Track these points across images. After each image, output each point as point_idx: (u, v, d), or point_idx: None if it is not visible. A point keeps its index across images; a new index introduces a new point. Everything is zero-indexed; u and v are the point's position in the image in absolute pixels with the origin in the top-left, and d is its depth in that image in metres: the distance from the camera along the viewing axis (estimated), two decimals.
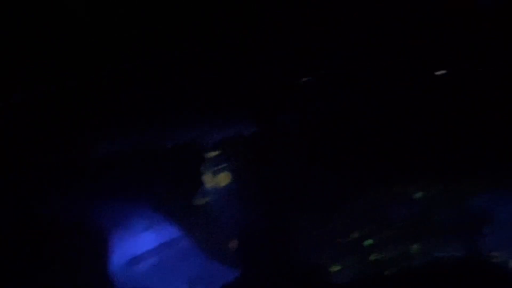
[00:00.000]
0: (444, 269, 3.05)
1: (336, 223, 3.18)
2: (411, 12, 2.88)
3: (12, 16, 2.58)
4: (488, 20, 2.74)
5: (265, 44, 3.20)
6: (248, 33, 3.16)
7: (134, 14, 2.75)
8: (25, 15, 2.60)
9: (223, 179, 3.30)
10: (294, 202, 3.24)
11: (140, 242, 3.30)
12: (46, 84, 2.88)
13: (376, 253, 3.10)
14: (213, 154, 3.31)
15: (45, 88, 2.90)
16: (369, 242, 3.13)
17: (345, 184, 3.21)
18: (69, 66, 2.87)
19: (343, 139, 3.24)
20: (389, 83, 3.14)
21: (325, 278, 3.07)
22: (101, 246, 3.30)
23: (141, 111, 3.32)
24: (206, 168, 3.31)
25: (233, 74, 3.23)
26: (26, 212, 3.17)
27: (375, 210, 3.16)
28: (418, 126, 3.17)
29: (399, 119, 3.18)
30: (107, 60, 2.90)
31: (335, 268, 3.08)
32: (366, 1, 2.84)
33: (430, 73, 3.15)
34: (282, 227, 3.20)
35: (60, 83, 2.89)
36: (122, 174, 3.37)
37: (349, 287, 3.06)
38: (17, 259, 3.09)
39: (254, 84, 3.21)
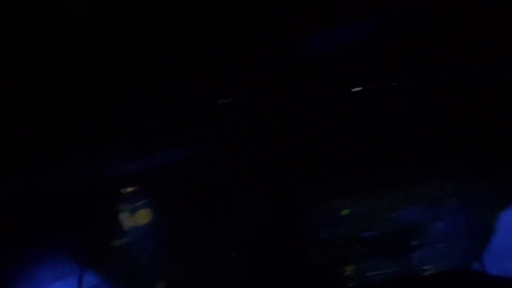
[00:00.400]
0: None
1: None
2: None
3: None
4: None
5: (180, 70, 3.01)
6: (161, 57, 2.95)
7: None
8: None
9: (143, 216, 3.03)
10: (221, 234, 3.05)
11: None
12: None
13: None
14: (129, 189, 3.03)
15: None
16: None
17: (271, 206, 3.07)
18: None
19: (269, 159, 3.09)
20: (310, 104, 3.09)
21: None
22: None
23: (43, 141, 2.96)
24: (122, 206, 3.02)
25: (147, 96, 2.99)
26: None
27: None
28: (342, 141, 3.10)
29: (322, 134, 3.10)
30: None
31: None
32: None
33: (348, 91, 3.12)
34: (212, 262, 2.99)
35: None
36: (23, 216, 2.98)
37: None
38: None
39: (172, 108, 3.00)
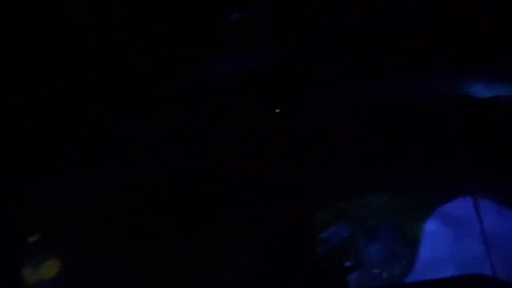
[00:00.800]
0: None
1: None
2: None
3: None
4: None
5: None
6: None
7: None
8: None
9: (49, 269, 2.67)
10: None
11: None
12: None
13: None
14: (34, 237, 2.68)
15: None
16: None
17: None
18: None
19: (194, 187, 2.89)
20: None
21: None
22: None
23: None
24: (26, 258, 2.69)
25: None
26: None
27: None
28: (269, 161, 2.92)
29: (247, 156, 2.93)
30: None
31: None
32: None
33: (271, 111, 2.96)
34: None
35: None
36: None
37: None
38: None
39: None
